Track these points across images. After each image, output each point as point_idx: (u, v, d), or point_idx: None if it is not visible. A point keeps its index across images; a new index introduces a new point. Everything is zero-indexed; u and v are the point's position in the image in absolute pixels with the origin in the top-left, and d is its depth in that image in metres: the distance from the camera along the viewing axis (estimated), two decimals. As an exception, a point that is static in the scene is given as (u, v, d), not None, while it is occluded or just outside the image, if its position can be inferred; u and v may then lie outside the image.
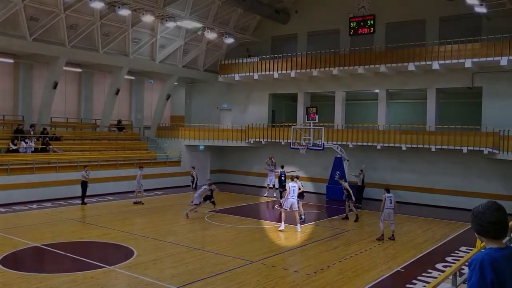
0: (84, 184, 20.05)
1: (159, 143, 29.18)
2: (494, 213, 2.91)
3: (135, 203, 20.42)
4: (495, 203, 2.97)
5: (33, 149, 21.86)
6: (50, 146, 22.46)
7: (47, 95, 23.33)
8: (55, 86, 23.20)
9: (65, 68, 23.88)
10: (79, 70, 26.07)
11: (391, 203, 14.66)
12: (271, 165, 24.19)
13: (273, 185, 23.92)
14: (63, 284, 9.79)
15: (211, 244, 13.88)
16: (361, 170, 22.46)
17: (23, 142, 21.62)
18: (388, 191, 14.87)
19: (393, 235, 14.89)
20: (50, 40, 22.01)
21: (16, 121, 23.29)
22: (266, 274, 10.91)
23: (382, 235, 14.72)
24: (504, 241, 3.04)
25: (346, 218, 18.16)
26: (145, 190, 21.96)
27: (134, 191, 20.86)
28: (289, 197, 15.41)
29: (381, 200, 15.10)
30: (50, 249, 12.74)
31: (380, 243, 14.44)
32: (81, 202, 20.05)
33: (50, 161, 21.79)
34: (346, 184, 18.45)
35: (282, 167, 22.33)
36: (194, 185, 21.04)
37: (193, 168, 22.29)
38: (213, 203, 18.46)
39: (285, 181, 20.74)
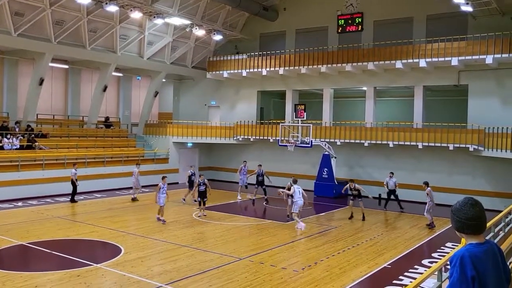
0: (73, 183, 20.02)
1: (147, 140, 29.04)
2: (471, 209, 2.93)
3: (133, 199, 20.81)
4: (472, 198, 2.99)
5: (18, 146, 21.60)
6: (36, 143, 22.21)
7: (33, 92, 23.04)
8: (41, 82, 22.92)
9: (51, 64, 23.62)
10: (65, 66, 25.79)
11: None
12: (244, 167, 23.12)
13: (246, 186, 22.87)
14: (48, 282, 9.70)
15: (199, 242, 13.86)
16: (392, 173, 20.76)
17: (4, 139, 21.30)
18: (428, 185, 17.01)
19: (432, 222, 16.88)
20: (36, 36, 21.72)
21: (0, 117, 22.97)
22: (254, 271, 10.93)
23: (432, 222, 16.88)
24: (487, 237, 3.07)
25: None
26: (131, 188, 21.94)
27: (124, 188, 20.78)
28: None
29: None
30: (35, 247, 12.61)
31: (367, 240, 14.59)
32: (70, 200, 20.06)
33: (36, 158, 21.54)
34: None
35: (260, 165, 22.11)
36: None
37: (192, 166, 22.73)
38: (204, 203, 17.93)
39: (262, 180, 21.09)
